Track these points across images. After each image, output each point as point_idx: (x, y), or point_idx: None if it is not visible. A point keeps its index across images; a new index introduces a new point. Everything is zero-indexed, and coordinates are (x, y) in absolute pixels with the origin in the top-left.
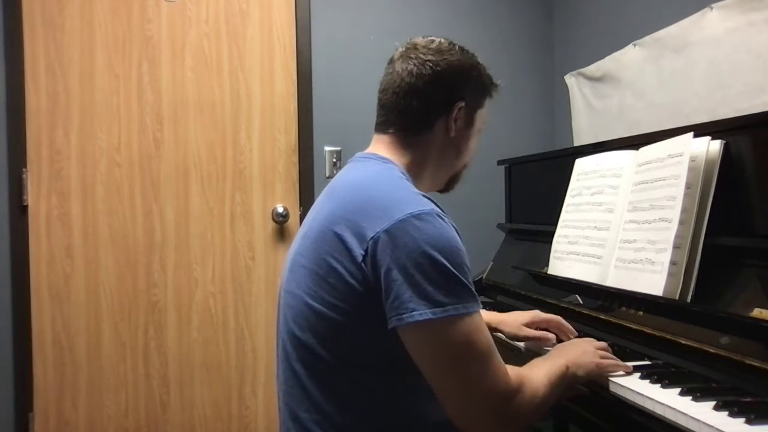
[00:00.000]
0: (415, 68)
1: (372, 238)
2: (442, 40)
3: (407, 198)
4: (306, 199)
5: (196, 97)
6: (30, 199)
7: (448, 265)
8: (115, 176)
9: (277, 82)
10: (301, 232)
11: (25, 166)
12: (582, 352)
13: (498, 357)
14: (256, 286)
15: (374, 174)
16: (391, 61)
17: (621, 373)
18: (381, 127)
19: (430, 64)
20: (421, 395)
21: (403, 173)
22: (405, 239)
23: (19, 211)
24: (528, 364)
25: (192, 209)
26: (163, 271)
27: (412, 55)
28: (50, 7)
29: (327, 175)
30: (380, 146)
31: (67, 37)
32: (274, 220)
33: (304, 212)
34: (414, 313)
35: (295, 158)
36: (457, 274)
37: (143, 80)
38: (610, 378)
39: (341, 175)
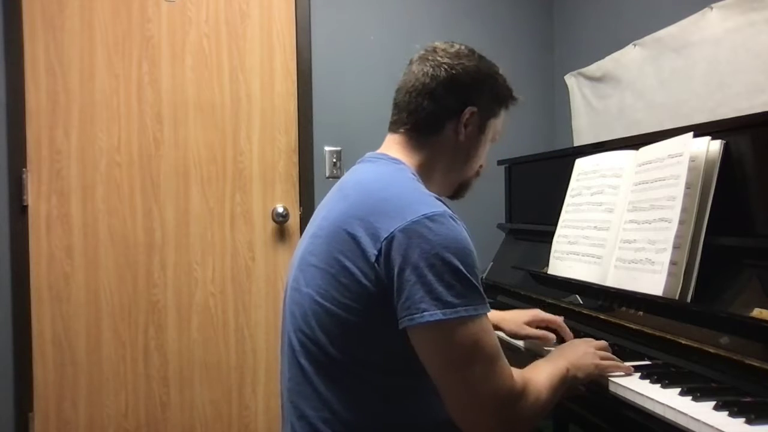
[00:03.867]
0: (431, 70)
1: (386, 237)
2: (463, 46)
3: (420, 199)
4: (306, 199)
5: (196, 97)
6: (30, 199)
7: (460, 266)
8: (115, 176)
9: (277, 82)
10: (310, 231)
11: (25, 166)
12: (582, 353)
13: (504, 360)
14: (256, 286)
15: (387, 175)
16: (410, 63)
17: (620, 373)
18: (393, 126)
19: (446, 67)
20: (429, 396)
21: (414, 175)
22: (418, 240)
23: (19, 211)
24: (530, 365)
25: (192, 209)
26: (163, 271)
27: (430, 58)
28: (50, 7)
29: (327, 175)
30: (391, 146)
31: (67, 37)
32: (274, 220)
33: (304, 212)
34: (425, 313)
35: (295, 158)
36: (468, 275)
37: (143, 80)
38: (610, 378)
39: (352, 175)
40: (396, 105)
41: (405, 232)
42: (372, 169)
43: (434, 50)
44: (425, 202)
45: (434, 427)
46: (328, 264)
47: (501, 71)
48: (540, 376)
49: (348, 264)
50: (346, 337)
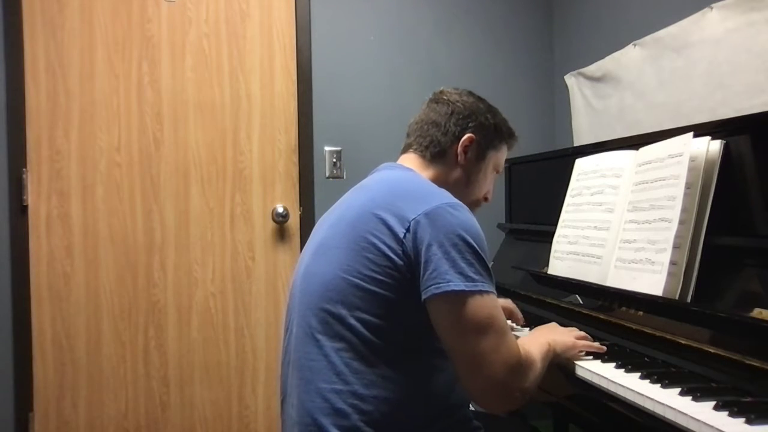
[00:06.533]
0: (437, 105)
1: (414, 218)
2: (466, 90)
3: (440, 192)
4: (306, 199)
5: (196, 97)
6: (30, 199)
7: (478, 249)
8: (115, 176)
9: (277, 82)
10: (328, 223)
11: (25, 166)
12: (559, 332)
13: (512, 334)
14: (256, 286)
15: (406, 175)
16: (423, 104)
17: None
18: (404, 149)
19: (450, 102)
20: (440, 376)
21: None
22: (443, 222)
23: (19, 211)
24: (518, 341)
25: (192, 209)
26: (163, 271)
27: (437, 98)
28: (50, 7)
29: (327, 175)
30: (404, 161)
31: (67, 37)
32: (274, 220)
33: (304, 212)
34: (450, 283)
35: (295, 158)
36: (484, 258)
37: (143, 80)
38: (610, 378)
39: (372, 178)
40: (408, 134)
41: (431, 214)
42: (391, 172)
43: (441, 92)
44: (444, 194)
45: (443, 407)
46: (354, 242)
47: (501, 113)
48: (532, 348)
49: (375, 240)
50: (366, 308)
